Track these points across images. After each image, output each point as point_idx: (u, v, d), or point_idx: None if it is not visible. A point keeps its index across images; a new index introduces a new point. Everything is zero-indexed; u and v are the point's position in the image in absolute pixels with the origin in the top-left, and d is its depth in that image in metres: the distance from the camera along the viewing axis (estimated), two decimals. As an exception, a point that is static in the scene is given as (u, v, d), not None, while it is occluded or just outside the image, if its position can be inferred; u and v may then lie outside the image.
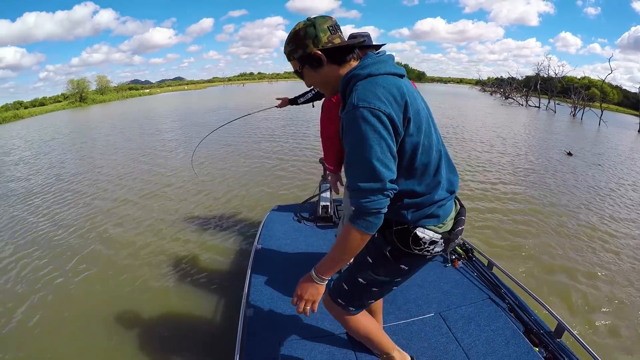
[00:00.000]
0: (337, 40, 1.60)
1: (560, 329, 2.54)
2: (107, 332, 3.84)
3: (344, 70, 1.62)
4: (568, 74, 44.25)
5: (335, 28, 1.62)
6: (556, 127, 23.29)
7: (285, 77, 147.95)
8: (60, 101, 70.59)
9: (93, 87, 71.74)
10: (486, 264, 3.46)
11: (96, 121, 29.88)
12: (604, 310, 4.26)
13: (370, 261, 1.80)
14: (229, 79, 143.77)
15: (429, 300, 3.02)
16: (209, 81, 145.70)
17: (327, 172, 3.38)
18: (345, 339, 2.59)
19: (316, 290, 1.65)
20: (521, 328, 2.67)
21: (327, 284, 1.71)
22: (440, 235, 1.67)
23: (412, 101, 1.50)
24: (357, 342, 2.48)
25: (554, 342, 2.51)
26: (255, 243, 3.98)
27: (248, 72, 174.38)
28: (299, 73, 1.73)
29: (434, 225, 1.66)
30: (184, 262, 5.17)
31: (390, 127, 1.44)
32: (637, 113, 37.32)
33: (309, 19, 1.61)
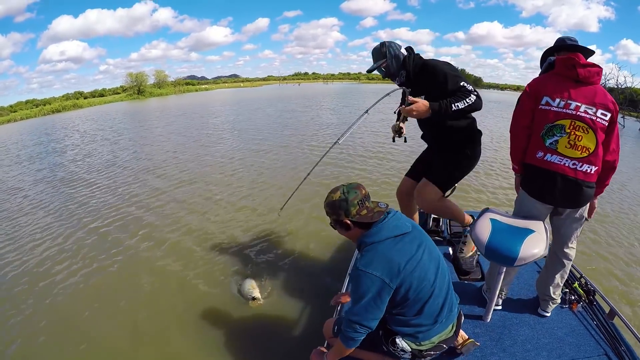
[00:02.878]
0: (363, 212, 2.19)
1: None
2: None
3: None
4: (632, 84, 41.84)
5: (363, 201, 2.21)
6: (627, 143, 22.00)
7: (340, 78, 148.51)
8: (118, 93, 73.24)
9: (151, 80, 73.76)
10: (607, 312, 3.07)
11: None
12: None
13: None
14: (284, 78, 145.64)
15: (539, 345, 2.75)
16: (264, 79, 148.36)
17: (515, 172, 3.10)
18: None
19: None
20: None
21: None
22: (410, 349, 2.28)
23: (405, 262, 2.08)
24: None
25: None
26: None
27: (302, 71, 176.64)
28: (332, 226, 2.36)
29: (409, 342, 2.27)
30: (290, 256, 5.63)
31: (382, 289, 2.06)
32: None
33: (344, 192, 2.21)
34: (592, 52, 2.77)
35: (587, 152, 2.60)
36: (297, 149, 13.40)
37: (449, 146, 3.58)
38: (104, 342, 4.02)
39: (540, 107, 2.71)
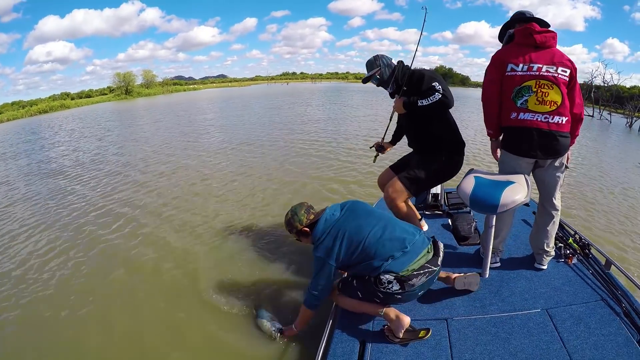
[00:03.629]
0: (311, 217, 2.97)
1: None
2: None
3: None
4: (619, 82, 42.45)
5: (308, 210, 3.02)
6: (614, 138, 22.44)
7: (327, 78, 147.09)
8: (106, 94, 72.66)
9: (139, 81, 73.33)
10: (604, 263, 3.31)
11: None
12: None
13: (365, 278, 2.80)
14: (272, 78, 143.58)
15: (537, 295, 2.96)
16: (252, 79, 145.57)
17: (490, 137, 3.43)
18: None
19: (293, 332, 3.24)
20: (636, 336, 2.47)
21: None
22: (393, 277, 2.63)
23: (342, 230, 2.80)
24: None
25: None
26: None
27: (290, 71, 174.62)
28: (298, 240, 3.10)
29: (389, 273, 2.64)
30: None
31: (333, 263, 2.77)
32: None
33: (292, 210, 3.02)
34: (547, 24, 3.05)
35: (555, 105, 2.94)
36: (284, 143, 13.50)
37: (427, 150, 3.78)
38: (82, 341, 3.76)
39: (506, 74, 3.03)
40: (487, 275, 3.25)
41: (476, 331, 2.63)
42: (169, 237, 5.89)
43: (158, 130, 18.04)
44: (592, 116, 35.82)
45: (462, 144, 3.74)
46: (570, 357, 2.33)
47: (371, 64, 3.68)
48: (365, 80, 3.78)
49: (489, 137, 3.45)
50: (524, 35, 2.98)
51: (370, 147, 4.33)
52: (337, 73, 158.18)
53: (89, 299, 4.36)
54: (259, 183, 8.61)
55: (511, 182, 2.98)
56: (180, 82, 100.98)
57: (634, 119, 31.34)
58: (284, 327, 3.33)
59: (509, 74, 3.01)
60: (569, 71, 2.94)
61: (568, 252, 3.47)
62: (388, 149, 4.20)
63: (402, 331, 2.59)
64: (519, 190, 2.90)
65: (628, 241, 5.76)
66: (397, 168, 4.05)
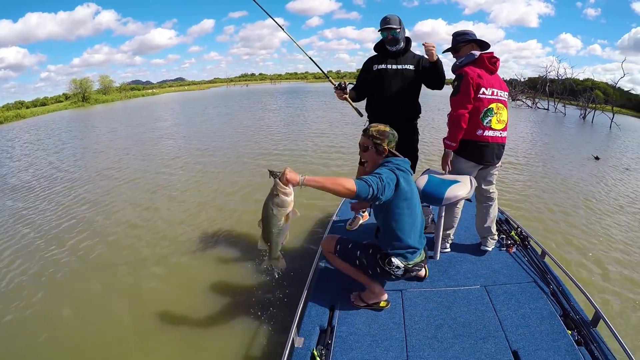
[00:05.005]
0: (392, 146, 2.91)
1: (597, 318, 2.76)
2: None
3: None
4: (572, 76, 43.88)
5: (394, 142, 2.94)
6: (569, 130, 23.25)
7: (287, 78, 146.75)
8: (61, 101, 70.04)
9: (95, 87, 71.32)
10: (540, 253, 3.82)
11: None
12: None
13: (370, 252, 2.96)
14: (231, 80, 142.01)
15: (478, 275, 3.49)
16: (210, 82, 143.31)
17: (446, 149, 3.69)
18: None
19: (294, 180, 2.32)
20: (559, 311, 2.95)
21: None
22: (403, 265, 2.87)
23: (408, 180, 2.79)
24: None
25: (588, 329, 2.73)
26: (334, 217, 4.90)
27: (249, 73, 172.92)
28: (364, 148, 2.97)
29: (401, 260, 2.87)
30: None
31: (394, 169, 2.72)
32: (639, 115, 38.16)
33: (391, 132, 2.92)
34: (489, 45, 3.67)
35: (505, 123, 3.58)
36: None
37: (410, 118, 4.22)
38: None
39: (478, 95, 3.44)
40: (438, 258, 3.79)
41: (425, 300, 3.14)
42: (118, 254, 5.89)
43: (114, 141, 17.46)
44: (548, 109, 36.69)
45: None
46: (501, 323, 2.82)
47: (397, 21, 3.90)
48: (385, 27, 3.89)
49: (446, 148, 3.71)
50: (490, 62, 3.49)
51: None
52: (296, 73, 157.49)
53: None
54: (213, 194, 8.61)
55: (456, 181, 3.45)
56: (137, 87, 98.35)
57: (587, 110, 32.33)
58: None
59: (481, 96, 3.44)
60: (507, 93, 3.64)
61: (509, 242, 4.01)
62: (345, 96, 4.11)
63: (374, 301, 3.07)
64: (461, 188, 3.36)
65: (567, 235, 6.34)
66: None
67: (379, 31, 3.93)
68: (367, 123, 3.96)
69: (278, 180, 2.32)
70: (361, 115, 4.22)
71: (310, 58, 4.49)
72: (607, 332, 2.65)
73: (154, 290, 4.77)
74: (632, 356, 2.37)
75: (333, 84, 4.13)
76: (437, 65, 3.82)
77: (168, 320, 4.15)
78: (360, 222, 4.64)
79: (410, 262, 2.91)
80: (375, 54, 4.15)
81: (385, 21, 3.89)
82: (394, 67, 3.97)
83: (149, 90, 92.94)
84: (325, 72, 4.52)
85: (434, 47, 3.70)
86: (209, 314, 4.20)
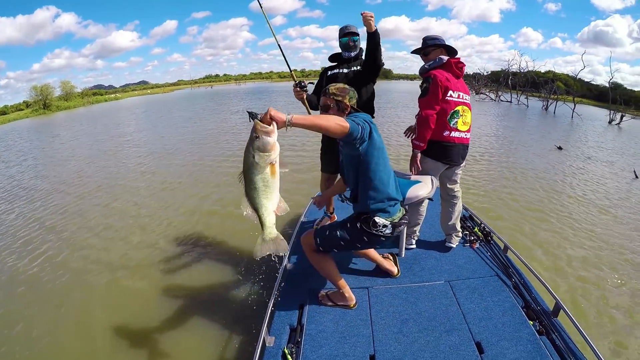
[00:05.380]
0: (353, 103, 2.86)
1: (557, 308, 2.88)
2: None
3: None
4: (534, 69, 44.86)
5: (355, 99, 2.88)
6: (532, 121, 23.76)
7: (251, 78, 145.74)
8: (22, 109, 67.80)
9: (57, 93, 69.39)
10: (502, 247, 3.90)
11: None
12: (605, 295, 4.62)
13: (349, 226, 2.86)
14: (195, 82, 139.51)
15: (442, 270, 3.58)
16: (174, 84, 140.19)
17: (414, 150, 3.73)
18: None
19: (280, 118, 2.02)
20: (521, 303, 3.06)
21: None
22: (389, 222, 2.77)
23: (377, 131, 2.65)
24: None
25: (549, 319, 2.83)
26: (302, 217, 4.90)
27: (214, 74, 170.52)
28: (327, 107, 2.85)
29: (385, 218, 2.77)
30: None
31: (369, 122, 2.58)
32: (600, 104, 39.66)
33: (351, 90, 2.88)
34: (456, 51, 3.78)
35: (469, 125, 3.71)
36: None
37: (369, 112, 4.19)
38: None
39: (446, 98, 3.54)
40: (403, 255, 3.85)
41: (390, 297, 3.22)
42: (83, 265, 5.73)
43: (76, 150, 16.92)
44: (510, 102, 37.40)
45: None
46: (464, 316, 2.90)
47: (355, 28, 4.13)
48: (350, 35, 4.10)
49: (414, 149, 3.75)
50: (456, 67, 3.63)
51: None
52: (260, 73, 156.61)
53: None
54: (178, 203, 8.33)
55: (418, 182, 3.51)
56: (100, 92, 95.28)
57: (550, 101, 33.07)
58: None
59: (448, 98, 3.55)
60: (469, 97, 3.74)
61: (473, 238, 4.10)
62: (303, 95, 4.11)
63: (342, 303, 3.12)
64: (422, 188, 3.42)
65: (530, 228, 6.46)
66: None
67: (340, 38, 4.09)
68: None
69: (258, 120, 2.00)
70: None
71: (284, 56, 4.42)
72: (568, 321, 2.75)
73: (120, 298, 4.69)
74: (591, 343, 2.48)
75: (294, 80, 4.13)
76: (374, 34, 3.73)
77: (137, 328, 4.09)
78: (328, 222, 4.50)
79: (394, 217, 2.85)
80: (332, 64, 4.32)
81: (346, 27, 4.08)
82: (344, 70, 4.11)
83: (112, 95, 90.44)
84: (291, 71, 4.44)
85: (372, 16, 3.62)
86: (179, 320, 4.18)
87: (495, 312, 2.94)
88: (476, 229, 4.30)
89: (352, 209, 3.02)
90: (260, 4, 4.46)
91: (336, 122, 2.27)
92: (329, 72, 4.17)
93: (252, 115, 2.02)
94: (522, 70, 43.64)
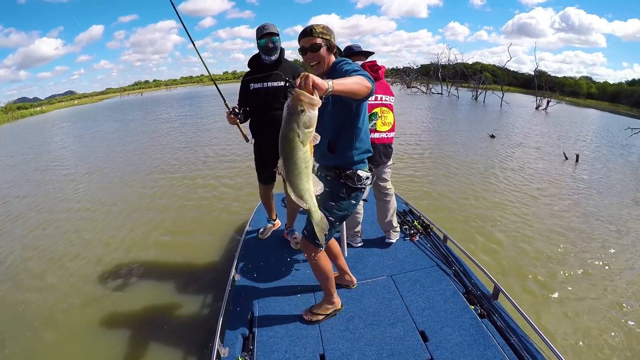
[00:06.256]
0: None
1: (497, 291, 3.03)
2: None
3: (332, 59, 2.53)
4: (462, 61, 46.41)
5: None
6: (463, 112, 24.47)
7: (182, 83, 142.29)
8: (-62, 131, 63.92)
9: (-22, 109, 65.51)
10: (442, 238, 4.07)
11: None
12: (539, 274, 4.86)
13: (336, 193, 2.61)
14: (124, 89, 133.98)
15: (384, 266, 3.67)
16: (102, 93, 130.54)
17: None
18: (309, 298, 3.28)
19: (323, 86, 1.73)
20: (461, 289, 3.20)
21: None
22: (369, 174, 2.65)
23: None
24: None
25: (489, 302, 3.00)
26: (247, 227, 4.82)
27: (143, 80, 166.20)
28: (315, 46, 2.44)
29: (365, 170, 2.64)
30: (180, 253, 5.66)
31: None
32: (526, 91, 41.93)
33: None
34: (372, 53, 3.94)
35: (390, 125, 3.83)
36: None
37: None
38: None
39: None
40: (346, 254, 3.85)
41: None
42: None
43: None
44: (441, 94, 38.45)
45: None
46: (408, 308, 3.01)
47: (276, 28, 3.73)
48: (269, 36, 3.65)
49: None
50: (372, 69, 3.71)
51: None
52: (191, 77, 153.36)
53: None
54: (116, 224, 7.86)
55: None
56: (25, 105, 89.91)
57: (479, 91, 34.20)
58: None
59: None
60: (393, 98, 3.91)
61: (413, 232, 4.20)
62: (237, 121, 3.83)
63: (333, 310, 3.06)
64: None
65: (467, 216, 6.65)
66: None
67: (258, 40, 3.68)
68: (252, 141, 4.08)
69: (301, 89, 1.65)
70: (247, 140, 4.12)
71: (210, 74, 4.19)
72: (508, 303, 2.90)
73: (64, 326, 4.40)
74: (531, 320, 2.66)
75: (228, 108, 3.84)
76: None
77: (84, 351, 3.97)
78: (272, 229, 4.66)
79: (367, 169, 2.72)
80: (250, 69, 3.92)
81: (264, 28, 3.66)
82: (268, 84, 3.77)
83: (38, 108, 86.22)
84: (213, 80, 4.26)
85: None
86: (131, 345, 3.97)
87: (437, 300, 3.07)
88: (416, 223, 4.42)
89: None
90: (174, 7, 3.96)
91: (364, 85, 2.04)
92: (252, 86, 3.82)
93: (292, 85, 1.72)
94: (451, 63, 45.19)
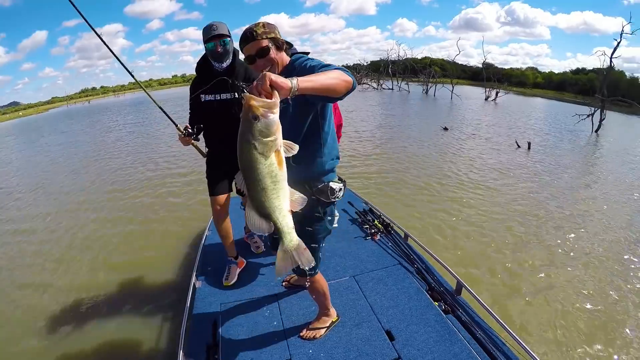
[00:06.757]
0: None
1: (460, 287, 3.05)
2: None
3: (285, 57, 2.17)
4: (412, 56, 47.05)
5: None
6: (415, 106, 24.78)
7: (131, 88, 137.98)
8: None
9: None
10: (403, 236, 4.04)
11: None
12: (501, 265, 4.95)
13: (310, 229, 2.34)
14: (71, 97, 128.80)
15: (346, 267, 3.61)
16: (48, 102, 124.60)
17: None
18: (274, 303, 3.19)
19: (285, 85, 1.45)
20: (425, 287, 3.20)
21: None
22: (341, 183, 2.38)
23: None
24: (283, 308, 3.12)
25: (453, 297, 3.00)
26: (206, 232, 4.62)
27: (90, 87, 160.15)
28: (264, 50, 2.05)
29: (336, 181, 2.35)
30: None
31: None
32: (475, 83, 42.90)
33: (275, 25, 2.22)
34: None
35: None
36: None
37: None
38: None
39: None
40: None
41: (299, 300, 3.22)
42: None
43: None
44: (392, 89, 38.94)
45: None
46: (372, 308, 2.98)
47: (226, 28, 3.08)
48: (219, 38, 3.00)
49: None
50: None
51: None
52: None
53: None
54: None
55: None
56: None
57: (429, 85, 34.77)
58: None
59: None
60: None
61: (374, 231, 4.15)
62: (192, 142, 3.33)
63: (331, 320, 2.89)
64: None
65: (427, 213, 6.63)
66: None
67: (205, 43, 3.03)
68: (206, 150, 3.57)
69: (253, 90, 1.39)
70: (204, 156, 3.60)
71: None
72: (471, 298, 2.93)
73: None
74: (494, 314, 2.69)
75: (180, 131, 3.22)
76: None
77: None
78: (238, 271, 3.71)
79: (338, 179, 2.44)
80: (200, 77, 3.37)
81: (211, 28, 3.03)
82: (222, 96, 3.25)
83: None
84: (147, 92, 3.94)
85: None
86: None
87: (401, 299, 3.07)
88: (376, 222, 4.38)
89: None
90: (87, 21, 3.44)
91: (341, 79, 1.70)
92: (202, 98, 3.25)
93: (243, 89, 1.54)
94: (400, 59, 45.84)
